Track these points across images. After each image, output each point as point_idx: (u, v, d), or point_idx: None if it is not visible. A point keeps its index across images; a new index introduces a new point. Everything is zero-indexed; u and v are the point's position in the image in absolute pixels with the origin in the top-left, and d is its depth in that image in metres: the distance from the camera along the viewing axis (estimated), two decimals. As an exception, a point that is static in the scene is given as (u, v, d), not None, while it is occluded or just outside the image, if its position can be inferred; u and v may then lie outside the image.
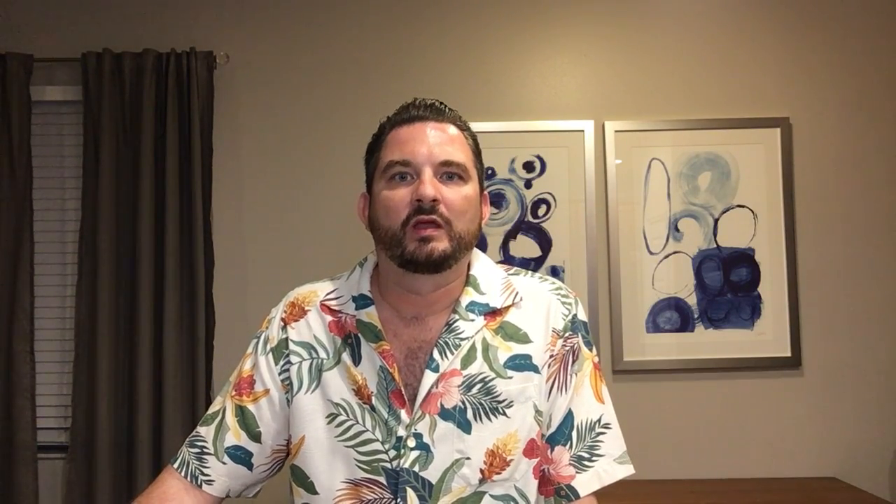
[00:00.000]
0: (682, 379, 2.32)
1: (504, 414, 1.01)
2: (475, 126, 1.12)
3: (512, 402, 1.02)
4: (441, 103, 1.06)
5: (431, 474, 0.99)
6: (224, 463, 1.06)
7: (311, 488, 1.03)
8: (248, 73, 2.40)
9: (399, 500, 0.98)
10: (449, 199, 1.00)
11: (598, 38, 2.41)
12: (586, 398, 1.07)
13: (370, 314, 1.05)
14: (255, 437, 1.06)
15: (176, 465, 1.07)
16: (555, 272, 2.33)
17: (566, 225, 2.35)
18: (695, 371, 2.31)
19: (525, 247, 2.34)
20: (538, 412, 1.04)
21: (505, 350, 1.04)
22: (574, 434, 1.05)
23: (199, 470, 1.05)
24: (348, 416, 1.02)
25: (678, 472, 2.28)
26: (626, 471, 1.07)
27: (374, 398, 1.01)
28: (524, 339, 1.05)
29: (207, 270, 2.26)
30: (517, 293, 1.08)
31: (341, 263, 1.16)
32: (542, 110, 2.39)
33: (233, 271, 2.36)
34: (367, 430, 1.01)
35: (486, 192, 1.10)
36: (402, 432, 0.99)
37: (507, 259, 2.33)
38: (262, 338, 1.11)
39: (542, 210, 2.35)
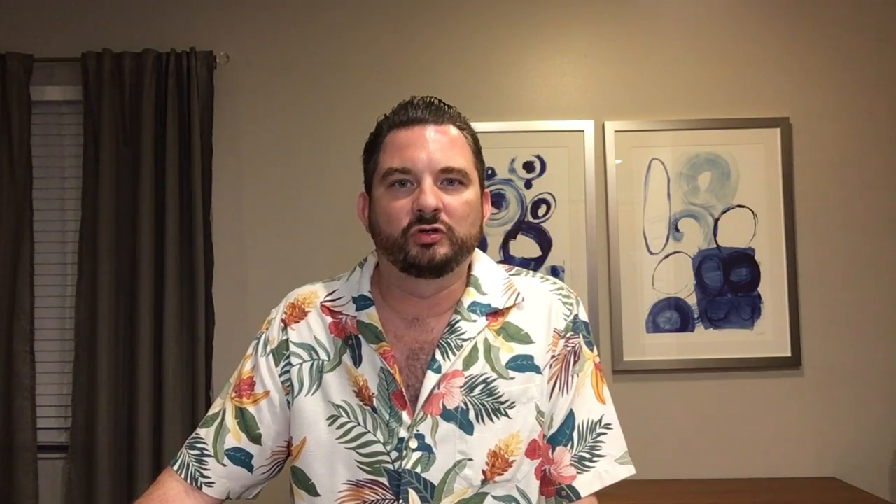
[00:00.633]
0: (682, 379, 2.32)
1: (506, 415, 1.01)
2: (475, 126, 1.11)
3: (514, 402, 1.02)
4: (440, 101, 1.05)
5: (433, 475, 0.99)
6: (224, 465, 1.05)
7: (312, 490, 1.03)
8: (248, 73, 2.39)
9: (401, 501, 0.98)
10: (450, 206, 0.99)
11: (598, 38, 2.41)
12: (587, 398, 1.07)
13: (371, 315, 1.05)
14: (255, 438, 1.06)
15: (176, 467, 1.06)
16: (555, 272, 2.33)
17: (566, 225, 2.35)
18: (695, 371, 2.31)
19: (525, 247, 2.34)
20: (540, 413, 1.04)
21: (507, 351, 1.04)
22: (575, 434, 1.05)
23: (199, 472, 1.05)
24: (349, 417, 1.02)
25: (678, 472, 2.28)
26: (627, 471, 1.07)
27: (375, 399, 1.01)
28: (526, 339, 1.05)
29: (207, 270, 2.26)
30: (518, 293, 1.08)
31: (341, 263, 1.16)
32: (542, 110, 2.39)
33: (233, 271, 2.36)
34: (369, 432, 1.00)
35: (486, 191, 1.09)
36: (403, 434, 0.99)
37: (507, 259, 2.32)
38: (262, 339, 1.11)
39: (542, 210, 2.35)
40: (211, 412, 1.10)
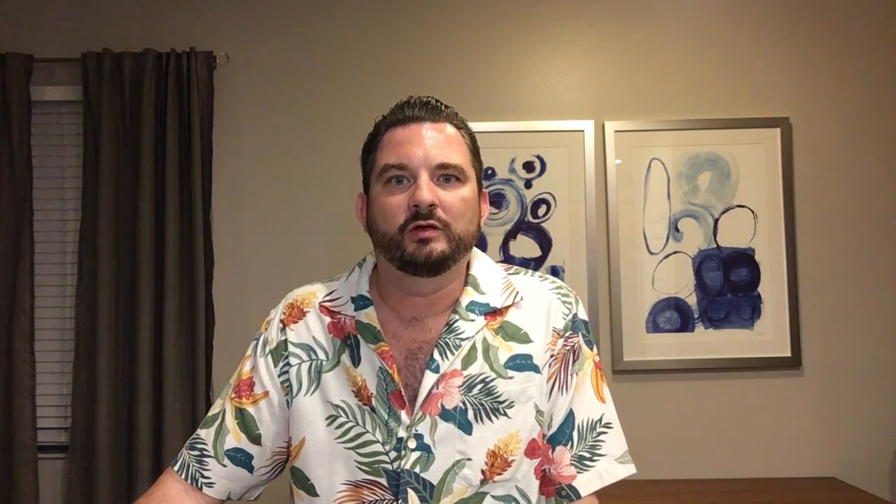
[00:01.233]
0: (682, 379, 2.32)
1: (505, 414, 1.01)
2: (475, 126, 1.11)
3: (513, 402, 1.02)
4: (437, 101, 1.05)
5: (433, 475, 0.98)
6: (224, 465, 1.05)
7: (311, 490, 1.03)
8: (248, 73, 2.39)
9: (400, 501, 0.98)
10: (447, 202, 0.99)
11: (598, 38, 2.41)
12: (587, 398, 1.07)
13: (369, 315, 1.05)
14: (255, 439, 1.06)
15: (176, 468, 1.07)
16: (555, 272, 2.33)
17: (566, 225, 2.35)
18: (695, 371, 2.31)
19: (525, 247, 2.34)
20: (539, 412, 1.04)
21: (505, 350, 1.04)
22: (575, 434, 1.05)
23: (200, 472, 1.05)
24: (348, 417, 1.02)
25: (678, 472, 2.28)
26: (628, 470, 1.06)
27: (373, 399, 1.01)
28: (525, 338, 1.05)
29: (207, 270, 2.26)
30: (517, 292, 1.07)
31: (341, 263, 1.16)
32: (542, 110, 2.39)
33: (232, 271, 2.36)
34: (368, 432, 1.00)
35: (484, 190, 1.09)
36: (402, 433, 0.99)
37: (507, 259, 2.32)
38: (261, 340, 1.11)
39: (542, 210, 2.35)
40: (211, 413, 1.10)
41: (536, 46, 2.41)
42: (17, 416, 2.22)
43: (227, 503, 1.09)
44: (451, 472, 0.99)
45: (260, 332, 1.12)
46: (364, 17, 2.41)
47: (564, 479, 1.04)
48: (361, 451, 1.00)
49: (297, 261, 2.35)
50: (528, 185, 2.35)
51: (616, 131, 2.35)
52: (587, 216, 2.34)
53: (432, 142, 1.00)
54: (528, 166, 2.36)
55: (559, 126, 2.37)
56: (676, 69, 2.39)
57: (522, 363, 1.04)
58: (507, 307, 1.06)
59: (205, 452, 1.06)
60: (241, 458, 1.06)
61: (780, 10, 2.40)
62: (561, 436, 1.05)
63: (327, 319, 1.08)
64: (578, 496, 1.03)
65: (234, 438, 1.06)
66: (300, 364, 1.06)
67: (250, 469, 1.07)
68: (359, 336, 1.05)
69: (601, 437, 1.06)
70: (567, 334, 1.07)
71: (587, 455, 1.05)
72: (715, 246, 2.33)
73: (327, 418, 1.03)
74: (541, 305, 1.08)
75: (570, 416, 1.05)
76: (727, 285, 2.32)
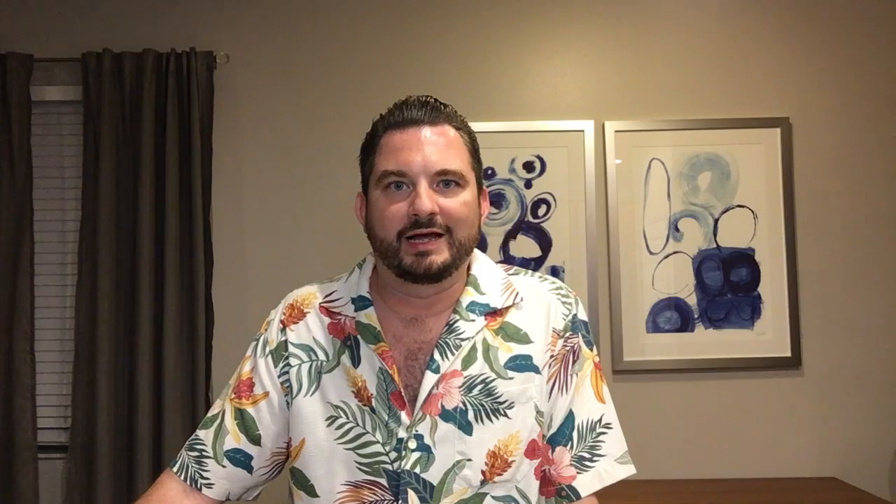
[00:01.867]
0: (682, 379, 2.32)
1: (505, 415, 1.01)
2: (475, 126, 1.11)
3: (513, 402, 1.02)
4: (435, 100, 1.03)
5: (433, 475, 0.98)
6: (223, 466, 1.05)
7: (311, 491, 1.03)
8: (248, 73, 2.39)
9: (400, 501, 0.98)
10: (447, 208, 0.98)
11: (598, 38, 2.41)
12: (587, 398, 1.07)
13: (369, 315, 1.05)
14: (255, 440, 1.06)
15: (175, 469, 1.06)
16: (555, 272, 2.33)
17: (566, 225, 2.34)
18: (695, 371, 2.31)
19: (525, 247, 2.34)
20: (539, 413, 1.04)
21: (505, 350, 1.04)
22: (575, 434, 1.05)
23: (199, 473, 1.05)
24: (348, 418, 1.02)
25: (678, 472, 2.28)
26: (628, 471, 1.07)
27: (373, 400, 1.01)
28: (525, 339, 1.05)
29: (207, 270, 2.26)
30: (517, 293, 1.07)
31: (341, 263, 1.16)
32: (542, 110, 2.39)
33: (232, 271, 2.36)
34: (368, 433, 1.00)
35: (484, 188, 1.09)
36: (402, 434, 0.99)
37: (508, 259, 2.32)
38: (261, 340, 1.10)
39: (542, 210, 2.35)
40: (210, 413, 1.10)
41: (536, 46, 2.41)
42: (17, 416, 2.22)
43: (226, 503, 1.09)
44: (451, 472, 0.99)
45: (260, 333, 1.12)
46: (364, 17, 2.41)
47: (564, 479, 1.04)
48: (361, 451, 1.00)
49: (296, 261, 2.35)
50: (528, 185, 2.35)
51: (616, 131, 2.35)
52: (587, 216, 2.34)
53: (431, 147, 0.99)
54: (528, 166, 2.35)
55: (559, 126, 2.37)
56: (676, 69, 2.39)
57: (523, 364, 1.04)
58: (508, 308, 1.06)
59: (204, 453, 1.06)
60: (240, 459, 1.06)
61: (780, 10, 2.40)
62: (561, 436, 1.05)
63: (327, 320, 1.08)
64: (578, 496, 1.03)
65: (234, 439, 1.06)
66: (300, 365, 1.06)
67: (249, 470, 1.07)
68: (359, 337, 1.05)
69: (601, 438, 1.06)
70: (567, 335, 1.07)
71: (587, 456, 1.05)
72: (715, 246, 2.33)
73: (327, 419, 1.03)
74: (541, 306, 1.08)
75: (570, 416, 1.05)
76: (727, 285, 2.32)
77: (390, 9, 2.41)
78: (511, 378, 1.02)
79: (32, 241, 2.28)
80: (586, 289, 2.31)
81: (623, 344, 2.31)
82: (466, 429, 1.00)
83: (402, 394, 1.00)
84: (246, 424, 1.06)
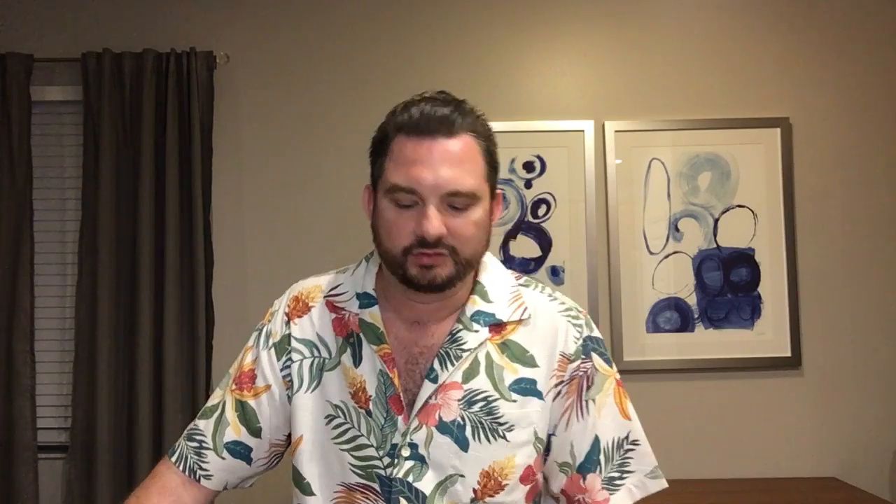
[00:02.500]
0: (682, 379, 2.32)
1: (504, 437, 0.99)
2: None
3: (513, 425, 1.00)
4: (455, 108, 0.95)
5: (425, 486, 0.97)
6: (223, 458, 1.05)
7: (307, 489, 1.02)
8: (248, 73, 2.39)
9: None
10: (456, 229, 0.94)
11: (598, 38, 2.41)
12: (611, 419, 1.05)
13: (373, 314, 1.03)
14: (256, 432, 1.06)
15: (174, 459, 1.06)
16: (555, 272, 2.33)
17: (566, 225, 2.34)
18: (695, 371, 2.31)
19: (525, 247, 2.34)
20: (538, 439, 1.02)
21: (511, 372, 1.01)
22: (602, 458, 1.03)
23: (198, 464, 1.05)
24: (345, 418, 1.01)
25: (678, 471, 2.27)
26: (659, 485, 1.05)
27: (371, 402, 1.00)
28: (531, 362, 1.02)
29: (207, 270, 2.26)
30: (526, 308, 1.04)
31: (341, 263, 1.15)
32: (542, 110, 2.39)
33: (232, 271, 2.36)
34: (363, 435, 0.99)
35: (498, 193, 1.03)
36: (397, 440, 0.98)
37: (507, 259, 2.32)
38: (265, 331, 1.09)
39: (542, 210, 2.35)
40: (210, 403, 1.09)
41: (537, 46, 2.41)
42: (17, 416, 2.21)
43: (222, 493, 1.09)
44: (442, 485, 0.97)
45: (263, 323, 1.10)
46: (364, 17, 2.41)
47: (599, 503, 1.02)
48: (356, 454, 0.99)
49: (296, 261, 2.35)
50: (528, 185, 2.35)
51: (616, 131, 2.35)
52: (587, 216, 2.34)
53: (445, 165, 0.92)
54: (528, 166, 2.36)
55: (559, 126, 2.37)
56: (676, 69, 2.39)
57: (526, 387, 1.01)
58: (514, 323, 1.03)
59: (203, 444, 1.05)
60: (240, 451, 1.05)
61: (780, 10, 2.40)
62: (589, 463, 1.03)
63: (332, 315, 1.06)
64: None
65: (234, 431, 1.05)
66: (302, 360, 1.05)
67: (249, 461, 1.06)
68: (361, 335, 1.03)
69: (629, 455, 1.05)
70: (579, 360, 1.04)
71: (616, 475, 1.03)
72: (715, 246, 2.33)
73: (325, 417, 1.02)
74: (549, 329, 1.04)
75: (596, 441, 1.03)
76: (727, 285, 2.32)
77: (390, 9, 2.41)
78: (514, 401, 1.00)
79: (32, 241, 2.28)
80: (586, 289, 2.31)
81: (623, 344, 2.31)
82: (463, 444, 0.98)
83: (401, 398, 0.99)
84: (247, 416, 1.06)
